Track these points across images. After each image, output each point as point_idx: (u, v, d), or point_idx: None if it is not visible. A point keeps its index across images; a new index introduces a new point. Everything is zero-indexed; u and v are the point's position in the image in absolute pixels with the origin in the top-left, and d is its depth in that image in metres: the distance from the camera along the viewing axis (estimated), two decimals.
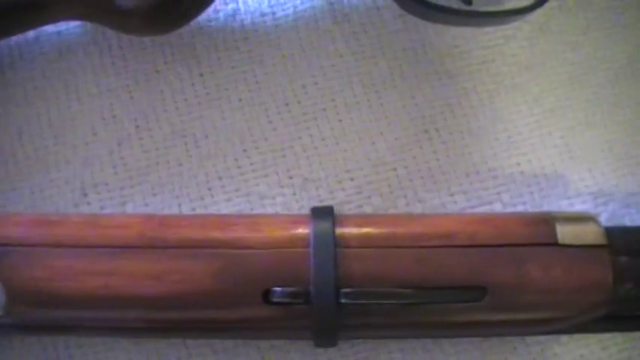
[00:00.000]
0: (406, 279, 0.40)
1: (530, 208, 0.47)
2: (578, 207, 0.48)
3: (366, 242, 0.40)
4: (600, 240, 0.42)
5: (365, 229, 0.41)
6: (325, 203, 0.45)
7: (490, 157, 0.47)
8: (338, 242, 0.40)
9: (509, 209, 0.47)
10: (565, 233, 0.42)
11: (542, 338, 0.45)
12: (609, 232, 0.43)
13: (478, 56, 0.49)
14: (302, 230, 0.40)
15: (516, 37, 0.50)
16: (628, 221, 0.48)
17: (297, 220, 0.41)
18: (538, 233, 0.42)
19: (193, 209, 0.46)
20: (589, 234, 0.42)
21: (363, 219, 0.42)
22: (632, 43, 0.50)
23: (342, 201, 0.46)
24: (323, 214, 0.41)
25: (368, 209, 0.46)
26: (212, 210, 0.46)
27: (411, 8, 0.45)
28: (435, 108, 0.48)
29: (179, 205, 0.46)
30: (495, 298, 0.40)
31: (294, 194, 0.46)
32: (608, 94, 0.49)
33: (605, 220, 0.47)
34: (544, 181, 0.48)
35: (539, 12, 0.46)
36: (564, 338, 0.46)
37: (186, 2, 0.45)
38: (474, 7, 0.47)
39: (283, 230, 0.40)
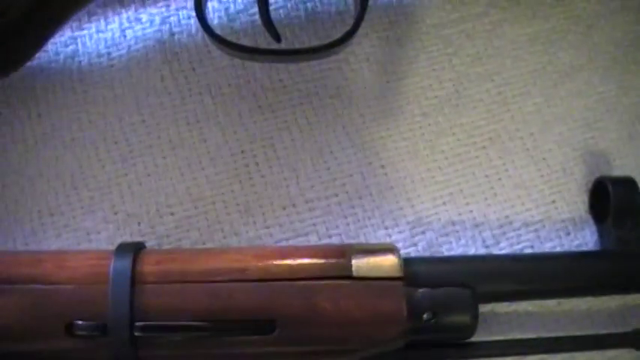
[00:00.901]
0: (199, 313, 0.42)
1: (346, 239, 0.48)
2: (395, 237, 0.49)
3: (162, 278, 0.42)
4: (396, 272, 0.43)
5: (163, 266, 0.43)
6: (146, 237, 0.48)
7: (307, 189, 0.49)
8: (137, 278, 0.42)
9: (325, 240, 0.48)
10: (360, 266, 0.43)
11: None
12: (409, 263, 0.44)
13: (301, 90, 0.50)
14: (103, 266, 0.42)
15: (341, 69, 0.51)
16: (445, 250, 0.49)
17: (101, 256, 0.43)
18: (332, 266, 0.43)
19: (27, 244, 0.49)
20: (385, 266, 0.43)
21: (164, 255, 0.44)
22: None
23: (162, 235, 0.48)
24: (126, 250, 0.43)
25: (186, 243, 0.48)
26: (44, 245, 0.48)
27: (224, 48, 0.47)
28: (256, 142, 0.49)
29: (14, 240, 0.49)
30: (285, 331, 0.42)
31: (118, 229, 0.48)
32: (433, 123, 0.50)
33: (422, 249, 0.49)
34: (361, 212, 0.49)
35: (362, 42, 0.47)
36: None
37: (17, 47, 0.47)
38: (279, 46, 0.48)
39: (86, 266, 0.43)
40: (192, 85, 0.50)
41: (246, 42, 0.50)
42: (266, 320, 0.42)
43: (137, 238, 0.48)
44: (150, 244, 0.47)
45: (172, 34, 0.51)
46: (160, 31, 0.51)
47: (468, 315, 0.44)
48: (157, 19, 0.52)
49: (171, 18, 0.52)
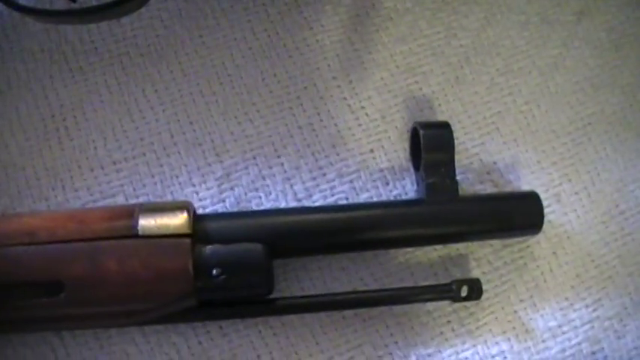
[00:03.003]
0: None
1: (153, 198, 0.48)
2: (203, 194, 0.48)
3: None
4: (184, 229, 0.43)
5: None
6: None
7: (115, 150, 0.48)
8: None
9: (132, 201, 0.48)
10: (147, 225, 0.43)
11: (160, 327, 0.46)
12: (202, 220, 0.44)
13: (112, 50, 0.50)
14: None
15: (153, 27, 0.50)
16: (255, 205, 0.48)
17: None
18: (118, 227, 0.43)
19: None
20: (173, 224, 0.43)
21: None
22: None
23: None
24: None
25: None
26: None
27: (23, 14, 0.47)
28: (66, 106, 0.49)
29: None
30: (72, 292, 0.42)
31: None
32: (245, 75, 0.50)
33: (229, 205, 0.47)
34: (168, 170, 0.48)
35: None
36: (181, 327, 0.46)
37: None
38: (76, 6, 0.47)
39: None
40: (5, 52, 0.50)
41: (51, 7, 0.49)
42: (53, 282, 0.42)
43: None
44: None
45: None
46: None
47: (259, 271, 0.43)
48: None
49: None
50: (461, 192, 0.46)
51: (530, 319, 0.48)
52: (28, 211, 0.47)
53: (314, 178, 0.48)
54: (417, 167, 0.48)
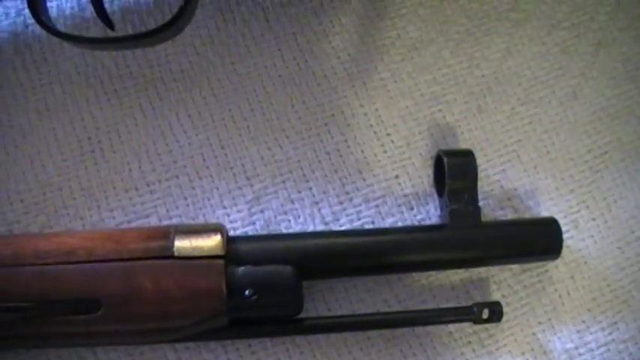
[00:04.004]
0: (27, 294, 0.44)
1: (185, 219, 0.49)
2: (233, 216, 0.50)
3: None
4: (217, 251, 0.44)
5: None
6: None
7: (149, 172, 0.50)
8: None
9: (165, 222, 0.49)
10: (182, 246, 0.44)
11: (191, 344, 0.48)
12: (234, 242, 0.45)
13: (146, 75, 0.51)
14: None
15: (186, 53, 0.52)
16: (284, 228, 0.49)
17: None
18: (154, 247, 0.45)
19: None
20: (207, 246, 0.45)
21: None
22: None
23: (12, 221, 0.50)
24: None
25: (34, 228, 0.49)
26: None
27: (61, 39, 0.48)
28: (101, 129, 0.51)
29: None
30: (109, 310, 0.44)
31: None
32: (274, 102, 0.51)
33: (260, 228, 0.49)
34: (200, 193, 0.50)
35: (208, 25, 0.48)
36: (212, 344, 0.48)
37: None
38: (113, 34, 0.49)
39: None
40: (43, 74, 0.52)
41: (88, 33, 0.51)
42: (91, 299, 0.44)
43: None
44: (0, 230, 0.48)
45: (26, 26, 0.53)
46: (14, 23, 0.53)
47: (289, 291, 0.45)
48: (12, 12, 0.53)
49: (26, 10, 0.53)
50: (483, 218, 0.48)
51: (548, 340, 0.49)
52: (65, 229, 0.49)
53: (341, 203, 0.50)
54: (440, 193, 0.49)
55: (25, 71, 0.52)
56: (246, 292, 0.44)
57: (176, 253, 0.44)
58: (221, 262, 0.44)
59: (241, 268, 0.45)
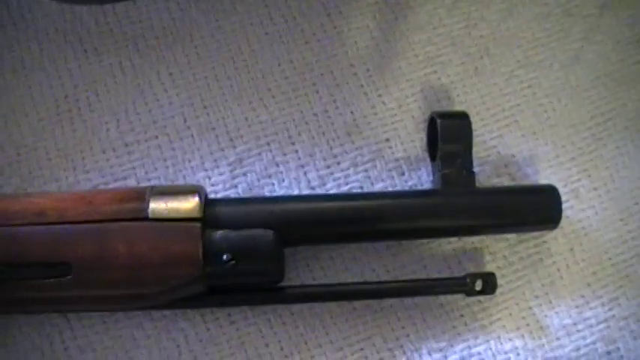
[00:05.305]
0: None
1: (164, 181, 0.47)
2: (215, 179, 0.47)
3: None
4: (194, 214, 0.42)
5: None
6: None
7: (127, 132, 0.48)
8: None
9: (144, 184, 0.47)
10: (157, 208, 0.42)
11: (168, 312, 0.46)
12: (213, 204, 0.43)
13: (127, 32, 0.49)
14: None
15: (169, 9, 0.50)
16: (267, 192, 0.47)
17: None
18: (128, 209, 0.42)
19: None
20: (183, 208, 0.42)
21: None
22: None
23: None
24: None
25: (7, 190, 0.47)
26: None
27: None
28: (79, 87, 0.48)
29: None
30: (80, 274, 0.42)
31: None
32: (260, 61, 0.49)
33: (242, 191, 0.47)
34: (181, 154, 0.48)
35: None
36: (190, 313, 0.46)
37: None
38: None
39: None
40: (20, 32, 0.50)
41: None
42: (61, 263, 0.42)
43: None
44: None
45: None
46: None
47: (269, 258, 0.42)
48: None
49: None
50: (477, 185, 0.45)
51: (545, 316, 0.47)
52: (38, 191, 0.47)
53: (328, 166, 0.48)
54: (433, 158, 0.47)
55: (1, 28, 0.50)
56: (224, 257, 0.42)
57: (151, 215, 0.42)
58: (198, 225, 0.42)
59: (219, 232, 0.42)
